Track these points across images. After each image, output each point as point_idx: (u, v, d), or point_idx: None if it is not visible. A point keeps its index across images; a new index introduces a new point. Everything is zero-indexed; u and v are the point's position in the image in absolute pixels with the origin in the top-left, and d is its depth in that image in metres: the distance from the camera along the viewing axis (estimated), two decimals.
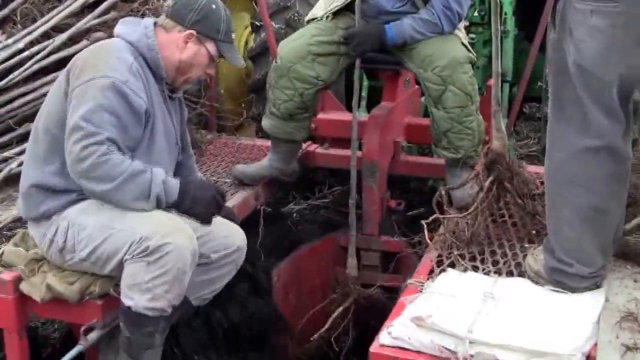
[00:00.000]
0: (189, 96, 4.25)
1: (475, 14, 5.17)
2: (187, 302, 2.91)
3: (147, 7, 3.95)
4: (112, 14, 3.88)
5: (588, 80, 2.44)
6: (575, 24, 2.43)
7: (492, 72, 3.75)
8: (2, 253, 2.83)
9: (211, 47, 2.86)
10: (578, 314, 2.47)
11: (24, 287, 2.71)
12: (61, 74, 2.77)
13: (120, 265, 2.62)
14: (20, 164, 3.43)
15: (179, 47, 2.81)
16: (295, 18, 4.95)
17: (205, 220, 2.82)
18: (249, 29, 5.56)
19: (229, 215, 3.08)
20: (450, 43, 3.55)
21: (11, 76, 3.59)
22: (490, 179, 3.10)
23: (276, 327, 3.97)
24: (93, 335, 2.72)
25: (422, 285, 2.73)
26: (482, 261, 2.99)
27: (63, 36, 3.73)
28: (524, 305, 2.52)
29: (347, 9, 3.72)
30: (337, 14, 3.74)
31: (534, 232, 3.22)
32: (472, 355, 2.25)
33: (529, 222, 3.22)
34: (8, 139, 3.65)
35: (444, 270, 2.88)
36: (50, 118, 2.71)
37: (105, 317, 2.76)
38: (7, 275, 2.74)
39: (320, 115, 4.37)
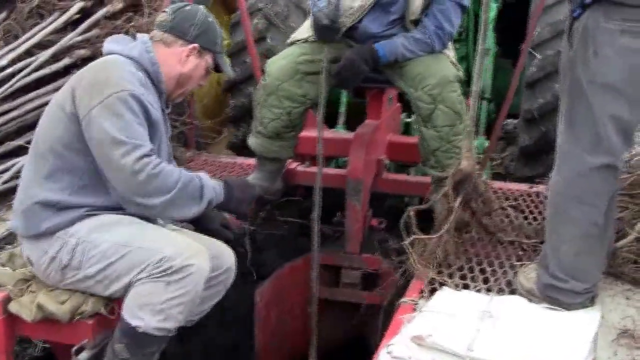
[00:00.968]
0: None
1: (459, 29, 5.20)
2: None
3: (132, 24, 3.92)
4: (95, 32, 3.87)
5: (612, 98, 2.46)
6: (602, 43, 2.45)
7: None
8: None
9: (209, 59, 2.91)
10: (575, 331, 2.48)
11: (12, 307, 2.64)
12: (60, 95, 2.70)
13: (127, 286, 2.58)
14: (4, 183, 3.40)
15: (180, 60, 2.84)
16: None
17: (244, 216, 3.11)
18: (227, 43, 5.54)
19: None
20: (440, 62, 3.56)
21: None
22: (459, 199, 3.11)
23: None
24: (84, 356, 2.66)
25: (417, 304, 2.72)
26: (473, 279, 3.01)
27: (46, 53, 3.69)
28: (521, 323, 2.53)
29: None
30: None
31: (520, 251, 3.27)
32: None
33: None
34: None
35: (435, 288, 2.88)
36: (54, 139, 2.65)
37: (96, 337, 2.69)
38: None
39: (302, 133, 4.34)
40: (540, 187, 4.13)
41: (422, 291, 2.88)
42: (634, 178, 3.16)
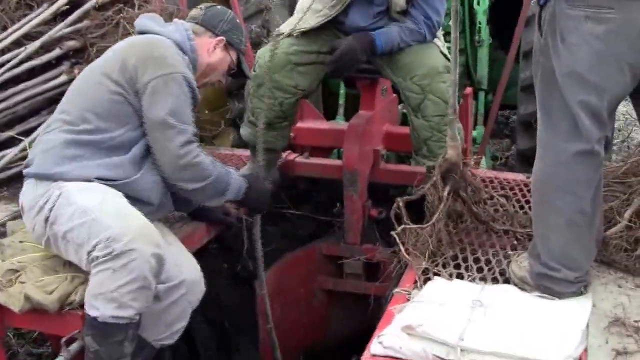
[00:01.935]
0: None
1: (450, 22, 5.21)
2: (148, 345, 2.88)
3: (122, 15, 3.91)
4: (85, 23, 3.86)
5: (579, 85, 2.47)
6: (568, 29, 2.45)
7: (467, 81, 3.77)
8: None
9: (234, 55, 3.16)
10: (567, 320, 2.48)
11: (0, 298, 2.64)
12: (103, 64, 2.87)
13: (88, 258, 2.58)
14: None
15: (208, 51, 3.06)
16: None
17: (261, 211, 3.35)
18: None
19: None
20: (428, 52, 3.57)
21: None
22: (447, 188, 3.12)
23: None
24: (75, 346, 2.66)
25: (410, 294, 2.73)
26: (467, 269, 3.01)
27: (35, 44, 3.68)
28: (512, 312, 2.53)
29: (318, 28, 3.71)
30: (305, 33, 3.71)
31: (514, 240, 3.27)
32: None
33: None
34: None
35: (429, 278, 2.89)
36: (91, 104, 2.79)
37: None
38: None
39: (300, 124, 4.36)
40: None
41: (415, 281, 2.89)
42: (627, 167, 3.14)
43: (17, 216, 3.15)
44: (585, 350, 2.35)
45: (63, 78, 3.73)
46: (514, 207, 3.70)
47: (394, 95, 4.62)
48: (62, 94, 2.97)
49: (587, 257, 2.71)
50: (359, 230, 3.94)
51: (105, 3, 3.91)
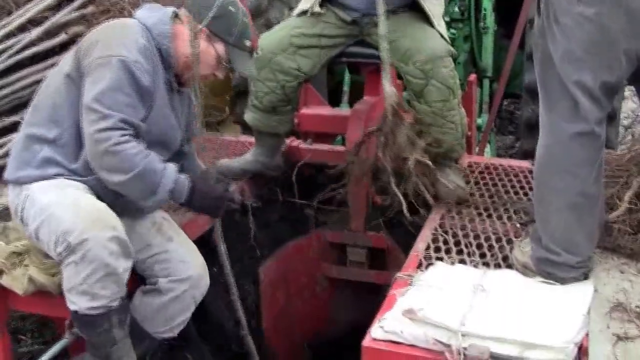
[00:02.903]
0: None
1: (456, 9, 5.19)
2: (149, 336, 2.88)
3: (127, 0, 3.88)
4: (90, 8, 3.81)
5: (574, 65, 2.45)
6: (561, 11, 2.44)
7: (473, 69, 3.71)
8: None
9: (220, 48, 2.85)
10: (568, 305, 2.47)
11: (4, 280, 2.65)
12: (64, 59, 2.79)
13: (56, 254, 2.56)
14: None
15: (190, 40, 2.79)
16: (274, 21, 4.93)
17: (215, 215, 3.01)
18: None
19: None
20: (429, 36, 3.52)
21: None
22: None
23: None
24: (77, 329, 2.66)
25: (412, 279, 2.72)
26: (469, 254, 3.00)
27: (39, 29, 3.66)
28: (514, 297, 2.52)
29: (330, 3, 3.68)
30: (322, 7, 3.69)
31: (518, 225, 3.26)
32: (465, 348, 2.24)
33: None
34: None
35: (431, 263, 2.88)
36: (51, 93, 2.72)
37: None
38: None
39: (303, 110, 4.34)
40: None
41: (418, 266, 2.88)
42: (630, 155, 3.12)
43: None
44: (587, 335, 2.34)
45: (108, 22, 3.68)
46: (517, 193, 3.70)
47: (398, 81, 4.60)
48: None
49: (589, 242, 2.69)
50: (363, 217, 3.91)
51: None
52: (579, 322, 2.36)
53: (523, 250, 2.82)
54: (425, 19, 3.56)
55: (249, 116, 3.85)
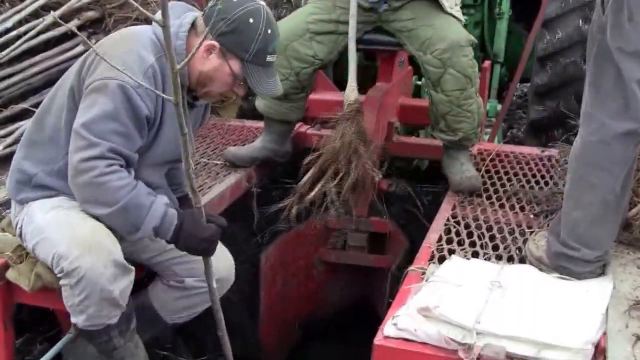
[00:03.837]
0: None
1: None
2: (161, 320, 2.76)
3: None
4: None
5: None
6: (638, 7, 2.28)
7: (484, 54, 3.55)
8: None
9: (235, 65, 2.43)
10: (586, 303, 2.35)
11: (10, 274, 2.52)
12: (70, 70, 2.50)
13: (57, 274, 2.40)
14: (6, 147, 3.28)
15: (202, 56, 2.42)
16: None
17: (204, 255, 2.44)
18: None
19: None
20: (451, 25, 3.38)
21: None
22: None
23: None
24: None
25: (424, 272, 2.59)
26: (482, 246, 2.88)
27: (53, 15, 3.53)
28: (531, 294, 2.40)
29: None
30: None
31: (531, 215, 3.14)
32: (480, 347, 2.11)
33: None
34: None
35: (444, 256, 2.75)
36: (56, 107, 2.48)
37: None
38: None
39: (312, 96, 4.19)
40: (552, 151, 3.96)
41: (431, 258, 2.76)
42: None
43: None
44: (605, 334, 2.21)
45: (80, 49, 3.58)
46: (529, 182, 3.57)
47: (410, 67, 4.46)
48: None
49: (610, 237, 2.60)
50: (367, 202, 3.78)
51: None
52: (597, 321, 2.24)
53: (538, 244, 2.70)
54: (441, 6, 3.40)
55: (260, 103, 3.71)
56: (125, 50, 2.36)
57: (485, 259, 2.76)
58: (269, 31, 2.42)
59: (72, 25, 3.61)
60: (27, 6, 3.56)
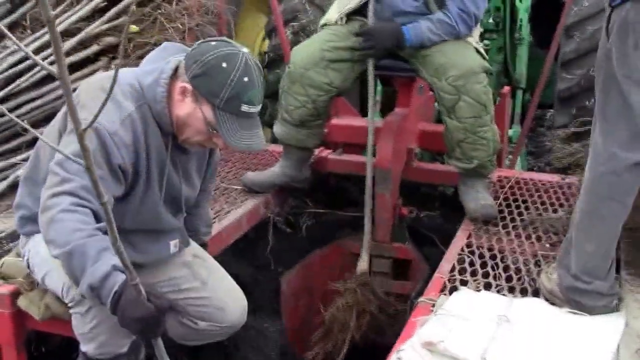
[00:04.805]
0: None
1: (490, 20, 4.99)
2: (170, 340, 2.70)
3: (160, 11, 3.76)
4: (123, 19, 3.70)
5: None
6: None
7: (505, 79, 3.49)
8: (2, 264, 2.64)
9: (207, 111, 2.26)
10: (597, 340, 2.28)
11: (21, 302, 2.50)
12: (57, 115, 2.44)
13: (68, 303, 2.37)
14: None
15: (178, 99, 2.29)
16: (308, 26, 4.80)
17: (142, 338, 2.25)
18: (263, 31, 5.41)
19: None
20: (465, 52, 3.33)
21: (19, 81, 3.42)
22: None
23: None
24: None
25: (434, 304, 2.54)
26: (495, 277, 2.82)
27: (73, 41, 3.55)
28: (540, 330, 2.33)
29: (360, 14, 3.51)
30: (350, 18, 3.54)
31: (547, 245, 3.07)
32: None
33: None
34: (16, 145, 3.48)
35: (456, 287, 2.69)
36: (48, 155, 2.39)
37: None
38: (5, 289, 2.55)
39: (334, 121, 4.18)
40: (572, 179, 3.88)
41: (442, 289, 2.70)
42: None
43: None
44: None
45: (100, 74, 3.59)
46: (546, 210, 3.50)
47: (430, 93, 4.42)
48: None
49: (614, 266, 2.54)
50: (389, 228, 3.74)
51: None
52: (607, 359, 2.16)
53: (550, 277, 2.63)
54: None
55: (278, 129, 3.69)
56: (100, 95, 2.21)
57: (498, 291, 2.70)
58: (245, 79, 2.23)
59: (92, 50, 3.64)
60: (47, 32, 3.57)
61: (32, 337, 2.84)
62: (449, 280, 2.78)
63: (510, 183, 3.82)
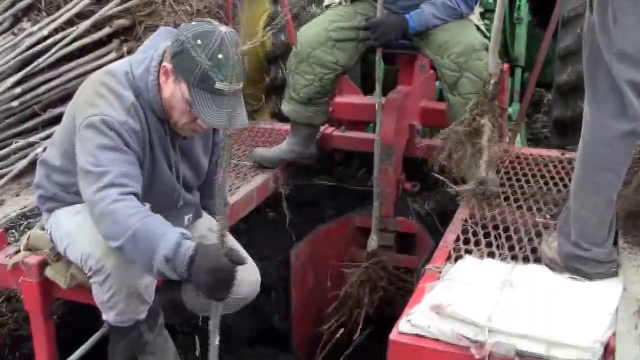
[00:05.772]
0: None
1: (490, 0, 5.04)
2: (191, 314, 2.81)
3: None
4: (134, 1, 3.76)
5: (629, 64, 2.30)
6: (623, 10, 2.27)
7: (505, 58, 3.55)
8: (29, 237, 2.74)
9: (184, 88, 2.29)
10: (596, 303, 2.37)
11: (48, 272, 2.61)
12: (67, 107, 2.56)
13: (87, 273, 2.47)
14: (45, 149, 3.37)
15: (163, 81, 2.36)
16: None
17: (215, 298, 2.19)
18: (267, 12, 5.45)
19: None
20: (466, 30, 3.43)
21: (36, 63, 3.49)
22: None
23: None
24: None
25: (440, 271, 2.63)
26: (498, 247, 2.90)
27: (86, 23, 3.62)
28: (542, 293, 2.42)
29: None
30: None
31: (548, 217, 3.15)
32: (491, 344, 2.15)
33: None
34: (33, 124, 3.57)
35: (460, 256, 2.79)
36: (64, 138, 2.52)
37: None
38: (33, 259, 2.65)
39: (337, 99, 4.26)
40: (572, 154, 3.96)
41: (447, 258, 2.79)
42: None
43: None
44: (614, 334, 2.23)
45: (113, 55, 3.66)
46: (547, 184, 3.58)
47: (432, 71, 4.49)
48: None
49: (612, 233, 2.61)
50: (393, 203, 3.84)
51: None
52: (606, 321, 2.26)
53: (550, 245, 2.71)
54: None
55: (285, 107, 3.80)
56: (109, 91, 2.34)
57: (501, 259, 2.79)
58: (220, 56, 2.21)
59: (105, 32, 3.70)
60: (62, 14, 3.64)
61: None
62: (453, 249, 2.86)
63: (510, 158, 3.90)
